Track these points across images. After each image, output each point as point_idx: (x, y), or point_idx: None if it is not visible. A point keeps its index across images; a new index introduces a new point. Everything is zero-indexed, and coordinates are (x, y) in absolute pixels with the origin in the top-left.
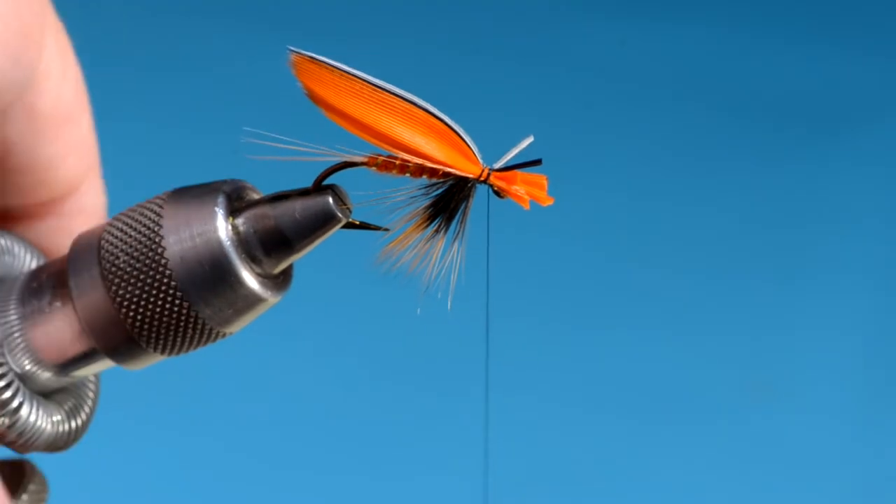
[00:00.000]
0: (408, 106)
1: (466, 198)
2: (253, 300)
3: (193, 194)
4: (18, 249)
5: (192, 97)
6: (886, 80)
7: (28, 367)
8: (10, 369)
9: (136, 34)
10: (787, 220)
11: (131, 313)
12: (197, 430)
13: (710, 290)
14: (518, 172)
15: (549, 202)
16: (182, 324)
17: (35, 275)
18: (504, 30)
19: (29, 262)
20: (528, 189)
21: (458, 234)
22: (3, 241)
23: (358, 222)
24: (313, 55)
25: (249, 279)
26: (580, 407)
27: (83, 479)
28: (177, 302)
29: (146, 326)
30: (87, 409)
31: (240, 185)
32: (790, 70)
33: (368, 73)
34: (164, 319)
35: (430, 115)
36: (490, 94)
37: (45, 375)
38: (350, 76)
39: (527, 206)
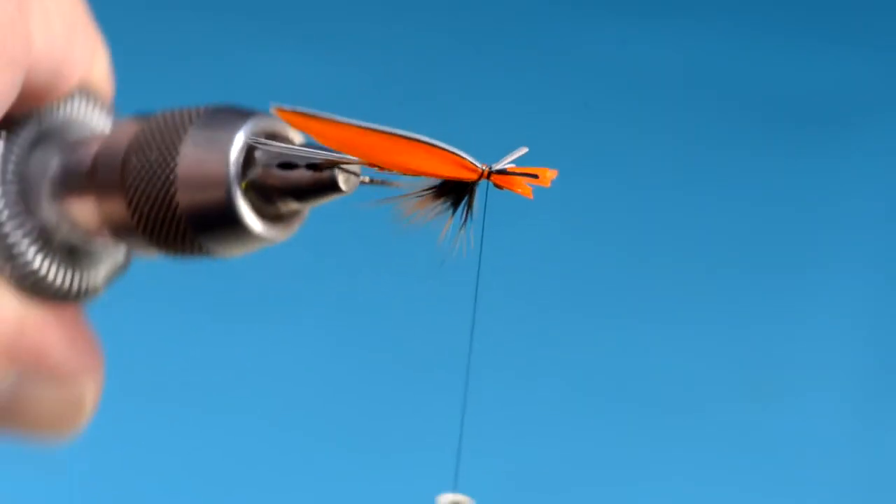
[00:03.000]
0: (402, 141)
1: (470, 193)
2: (245, 236)
3: (222, 120)
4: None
5: (191, 95)
6: (888, 78)
7: (52, 220)
8: (24, 212)
9: (137, 34)
10: (787, 217)
11: (134, 200)
12: (191, 427)
13: (709, 287)
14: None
15: (552, 176)
16: (168, 222)
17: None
18: (504, 29)
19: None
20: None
21: (464, 218)
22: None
23: (368, 179)
24: (297, 109)
25: (247, 213)
26: (575, 403)
27: (84, 479)
28: (169, 201)
29: (140, 211)
30: (89, 277)
31: (270, 126)
32: (791, 68)
33: (368, 74)
34: (155, 212)
35: (425, 145)
36: (490, 93)
37: (71, 235)
38: (337, 123)
39: (530, 196)
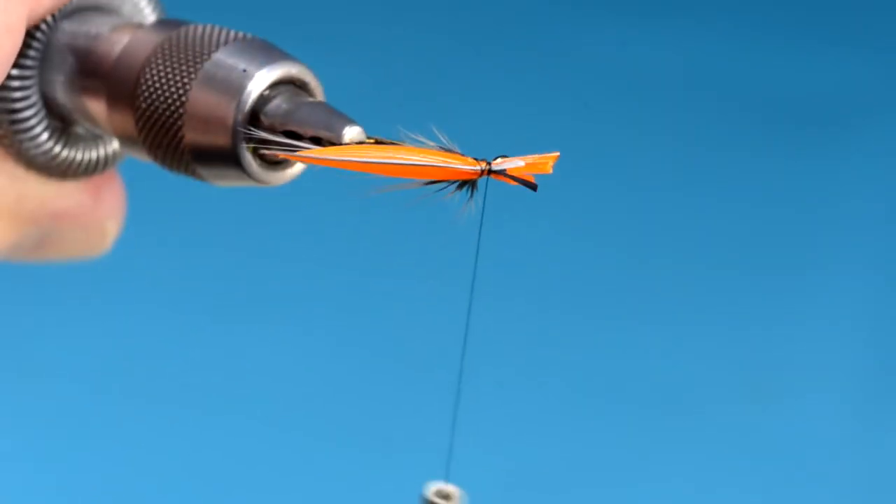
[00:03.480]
0: (396, 167)
1: (471, 186)
2: (237, 172)
3: (260, 52)
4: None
5: None
6: (888, 79)
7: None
8: (36, 82)
9: None
10: (787, 218)
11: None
12: (185, 426)
13: (709, 288)
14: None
15: (553, 161)
16: (170, 149)
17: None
18: (504, 30)
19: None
20: (529, 168)
21: (469, 199)
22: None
23: (374, 139)
24: (293, 154)
25: (248, 160)
26: (575, 403)
27: (84, 479)
28: (175, 120)
29: (144, 119)
30: (84, 156)
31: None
32: (791, 69)
33: (369, 75)
34: (159, 139)
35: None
36: (490, 94)
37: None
38: (330, 161)
39: (532, 182)
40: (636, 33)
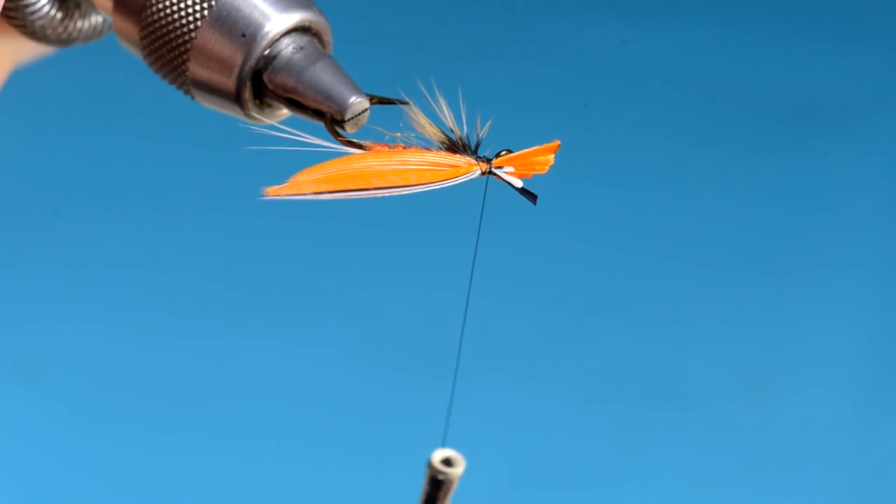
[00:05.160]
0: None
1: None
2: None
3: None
4: None
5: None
6: (888, 78)
7: None
8: None
9: None
10: (786, 217)
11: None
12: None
13: (708, 288)
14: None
15: (555, 150)
16: (172, 69)
17: None
18: (504, 30)
19: None
20: (530, 163)
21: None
22: None
23: (377, 98)
24: (288, 194)
25: (247, 103)
26: (574, 404)
27: (81, 479)
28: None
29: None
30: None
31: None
32: (790, 68)
33: (369, 75)
34: (162, 61)
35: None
36: (490, 94)
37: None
38: (332, 191)
39: (536, 171)
40: (636, 33)
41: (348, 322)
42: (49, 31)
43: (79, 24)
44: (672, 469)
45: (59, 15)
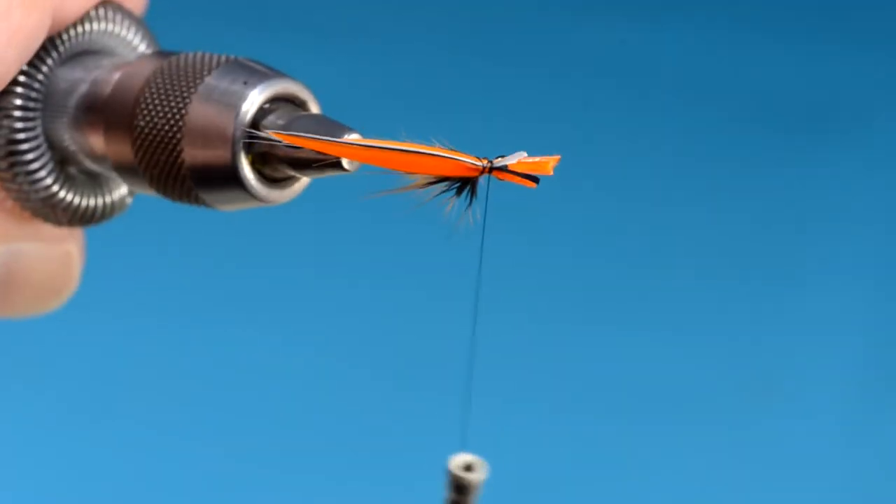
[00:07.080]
0: (400, 153)
1: (472, 186)
2: (241, 194)
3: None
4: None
5: None
6: (888, 80)
7: (70, 147)
8: (40, 125)
9: None
10: (785, 220)
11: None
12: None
13: (707, 290)
14: (517, 165)
15: (554, 164)
16: (171, 173)
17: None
18: (505, 30)
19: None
20: (530, 167)
21: (468, 203)
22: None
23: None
24: (292, 133)
25: (250, 177)
26: (575, 405)
27: (81, 479)
28: (174, 147)
29: (142, 142)
30: (88, 203)
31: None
32: (789, 70)
33: (369, 76)
34: (160, 165)
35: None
36: (490, 94)
37: (84, 161)
38: (335, 144)
39: (533, 186)
40: (636, 33)
41: (349, 325)
42: (48, 206)
43: (81, 201)
44: (672, 469)
45: (62, 192)
